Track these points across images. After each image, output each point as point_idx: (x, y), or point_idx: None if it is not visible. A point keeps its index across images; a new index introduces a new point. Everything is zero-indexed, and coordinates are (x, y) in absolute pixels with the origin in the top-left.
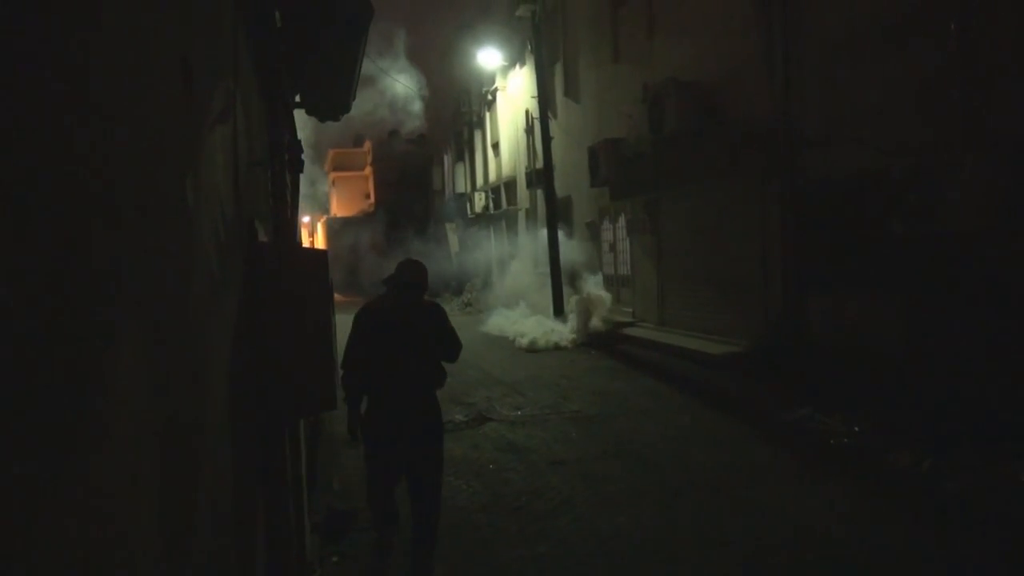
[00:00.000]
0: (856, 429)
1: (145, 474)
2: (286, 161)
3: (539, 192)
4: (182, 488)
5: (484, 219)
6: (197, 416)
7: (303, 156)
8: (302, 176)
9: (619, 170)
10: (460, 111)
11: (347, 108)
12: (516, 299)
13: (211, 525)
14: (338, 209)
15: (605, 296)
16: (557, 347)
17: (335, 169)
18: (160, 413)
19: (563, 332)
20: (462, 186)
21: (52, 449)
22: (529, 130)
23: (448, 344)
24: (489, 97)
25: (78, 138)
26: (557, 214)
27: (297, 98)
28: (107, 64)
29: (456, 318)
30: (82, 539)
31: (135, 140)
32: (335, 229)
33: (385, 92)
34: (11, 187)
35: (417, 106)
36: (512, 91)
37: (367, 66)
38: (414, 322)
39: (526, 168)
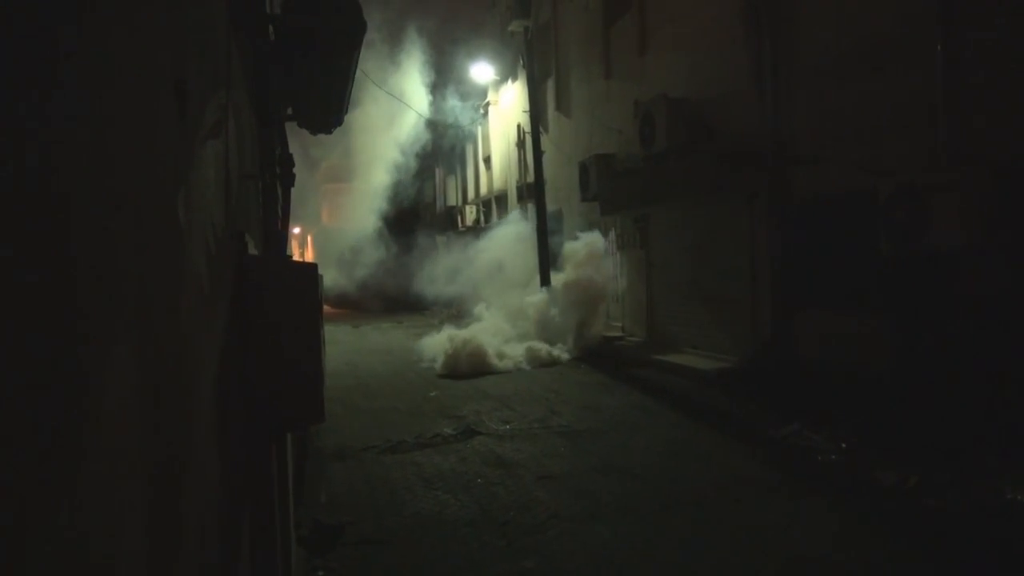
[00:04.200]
0: (843, 446)
1: (133, 491)
2: (277, 174)
3: (530, 206)
4: (169, 505)
5: (475, 232)
6: (185, 430)
7: (294, 169)
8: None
9: (609, 185)
10: (452, 124)
11: (339, 121)
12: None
13: (197, 541)
14: (329, 220)
15: (597, 238)
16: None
17: (327, 180)
18: (149, 428)
19: (549, 347)
20: (453, 199)
21: (42, 464)
22: (520, 144)
23: None
24: (481, 111)
25: (72, 158)
26: (548, 228)
27: (289, 111)
28: (106, 87)
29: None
30: (73, 549)
31: (130, 161)
32: (326, 240)
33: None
34: (6, 204)
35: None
36: (504, 105)
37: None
38: None
39: (517, 182)
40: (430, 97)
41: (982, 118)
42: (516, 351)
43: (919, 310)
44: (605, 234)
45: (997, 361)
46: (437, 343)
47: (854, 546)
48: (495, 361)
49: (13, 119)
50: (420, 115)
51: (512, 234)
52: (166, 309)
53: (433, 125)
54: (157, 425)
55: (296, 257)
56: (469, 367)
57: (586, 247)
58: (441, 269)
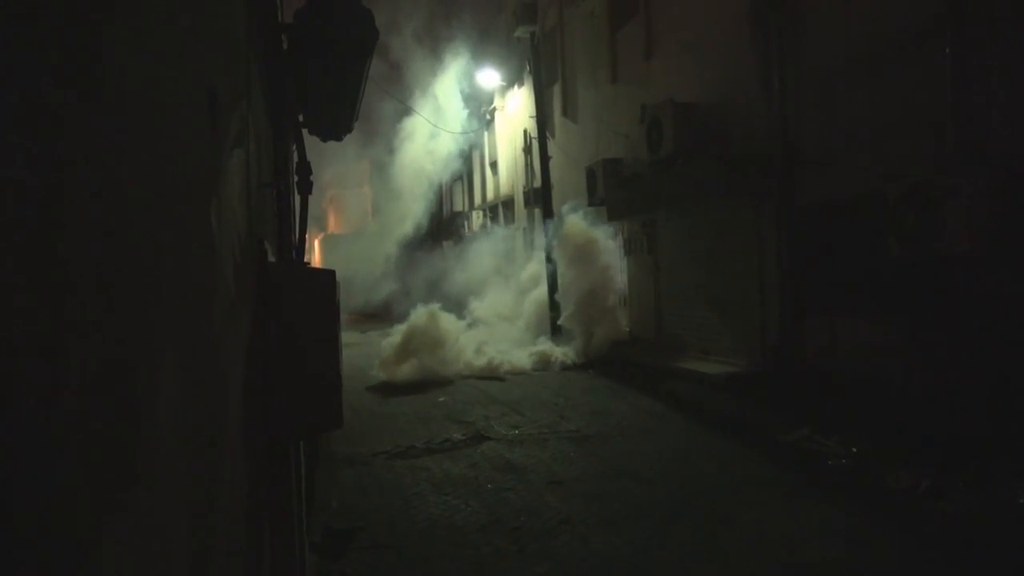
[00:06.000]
0: (854, 450)
1: (177, 497)
2: (295, 182)
3: (537, 211)
4: (207, 509)
5: (482, 237)
6: (218, 436)
7: (311, 178)
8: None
9: (616, 190)
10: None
11: (349, 128)
12: (513, 317)
13: (227, 547)
14: (335, 226)
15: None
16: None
17: (332, 186)
18: (190, 434)
19: (557, 352)
20: (460, 204)
21: (99, 473)
22: (527, 149)
23: None
24: (488, 117)
25: (116, 167)
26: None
27: (300, 118)
28: (146, 98)
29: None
30: (125, 557)
31: (169, 170)
32: (332, 247)
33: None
34: (61, 214)
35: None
36: (510, 111)
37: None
38: None
39: (524, 187)
40: (466, 110)
41: (992, 120)
42: (480, 357)
43: (930, 314)
44: (612, 238)
45: (1010, 364)
46: (390, 344)
47: (867, 551)
48: (453, 367)
49: (65, 128)
50: (454, 133)
51: (507, 238)
52: (203, 316)
53: (465, 152)
54: (196, 428)
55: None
56: (411, 374)
57: (570, 226)
58: (445, 274)
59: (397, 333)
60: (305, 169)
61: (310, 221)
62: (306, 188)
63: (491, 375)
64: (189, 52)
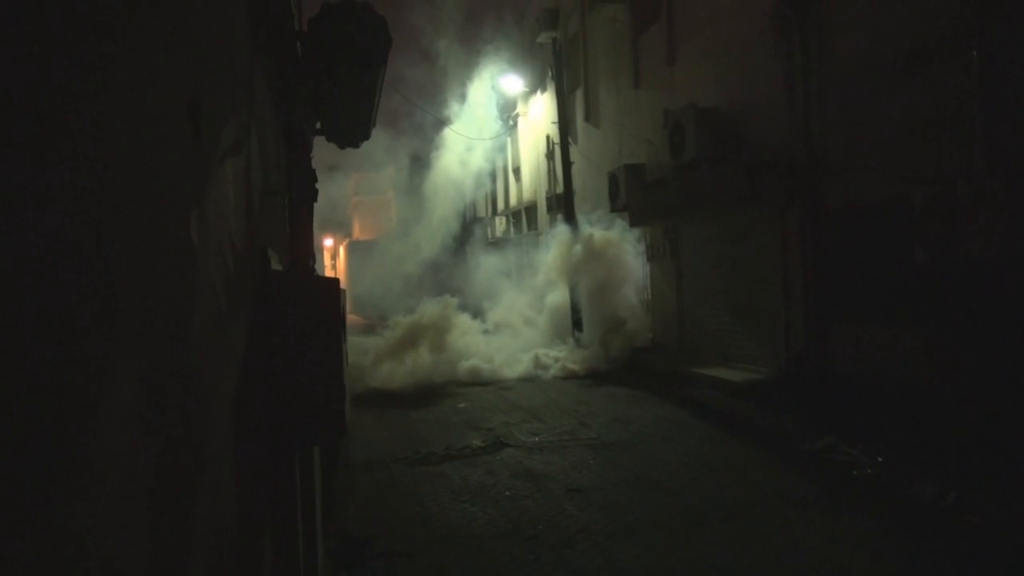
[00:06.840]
0: (879, 460)
1: (138, 515)
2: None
3: (559, 217)
4: (177, 529)
5: (505, 243)
6: (197, 451)
7: (317, 185)
8: (324, 199)
9: (639, 196)
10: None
11: (367, 135)
12: (535, 322)
13: (211, 562)
14: (360, 232)
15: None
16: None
17: (356, 193)
18: (155, 451)
19: (577, 357)
20: (483, 210)
21: (39, 494)
22: (550, 155)
23: None
24: (510, 123)
25: (76, 182)
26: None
27: (318, 125)
28: (115, 109)
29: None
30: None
31: (139, 181)
32: (358, 254)
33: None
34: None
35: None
36: (533, 117)
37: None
38: None
39: (547, 193)
40: (500, 122)
41: (1020, 124)
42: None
43: (956, 321)
44: (635, 244)
45: None
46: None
47: (893, 563)
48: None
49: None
50: (484, 140)
51: (529, 244)
52: (176, 326)
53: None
54: (163, 442)
55: (328, 269)
56: (404, 379)
57: (589, 233)
58: (467, 279)
59: (398, 327)
60: (310, 177)
61: (335, 227)
62: (311, 196)
63: (498, 381)
64: (165, 62)
